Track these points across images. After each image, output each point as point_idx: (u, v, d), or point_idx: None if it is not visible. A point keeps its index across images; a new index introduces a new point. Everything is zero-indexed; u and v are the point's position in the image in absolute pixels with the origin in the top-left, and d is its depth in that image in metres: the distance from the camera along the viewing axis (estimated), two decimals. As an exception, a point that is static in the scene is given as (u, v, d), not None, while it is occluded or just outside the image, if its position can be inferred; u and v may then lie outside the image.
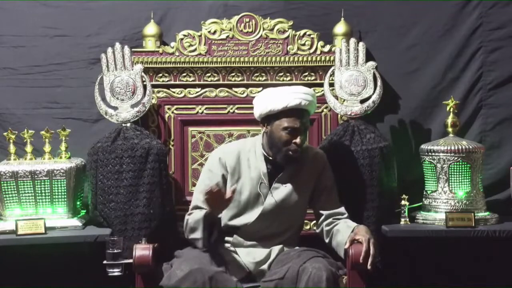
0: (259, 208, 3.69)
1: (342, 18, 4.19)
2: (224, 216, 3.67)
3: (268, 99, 3.65)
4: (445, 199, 3.98)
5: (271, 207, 3.69)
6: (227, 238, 3.73)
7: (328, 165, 3.79)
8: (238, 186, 3.67)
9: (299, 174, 3.73)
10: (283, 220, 3.73)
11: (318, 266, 3.45)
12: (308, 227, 4.08)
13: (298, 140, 3.61)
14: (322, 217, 3.74)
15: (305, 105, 3.62)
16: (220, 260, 3.60)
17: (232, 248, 3.70)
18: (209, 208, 3.53)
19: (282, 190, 3.70)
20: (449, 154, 3.95)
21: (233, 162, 3.70)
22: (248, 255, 3.68)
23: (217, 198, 3.47)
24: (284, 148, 3.62)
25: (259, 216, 3.67)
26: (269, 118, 3.65)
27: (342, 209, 3.75)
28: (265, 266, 3.65)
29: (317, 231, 3.78)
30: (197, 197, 3.71)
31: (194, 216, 3.62)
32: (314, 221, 3.90)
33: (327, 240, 3.72)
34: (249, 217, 3.69)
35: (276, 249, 3.69)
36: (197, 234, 3.58)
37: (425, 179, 4.06)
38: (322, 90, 4.11)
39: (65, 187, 3.92)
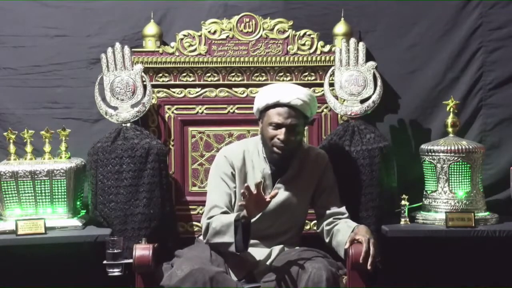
0: None
1: (342, 18, 4.19)
2: None
3: (263, 94, 3.67)
4: (445, 199, 3.98)
5: (273, 207, 3.68)
6: None
7: (330, 165, 3.79)
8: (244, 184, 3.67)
9: (301, 175, 3.73)
10: (285, 220, 3.72)
11: (318, 266, 3.45)
12: (308, 227, 4.08)
13: (281, 136, 3.60)
14: (323, 217, 3.74)
15: (297, 105, 3.60)
16: (220, 260, 3.60)
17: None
18: (246, 211, 3.46)
19: (285, 191, 3.70)
20: (449, 154, 3.95)
21: (239, 163, 3.70)
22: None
23: (255, 200, 3.43)
24: (270, 143, 3.63)
25: (261, 216, 3.67)
26: (262, 114, 3.67)
27: (342, 209, 3.75)
28: (265, 266, 3.65)
29: (318, 230, 3.78)
30: (213, 198, 3.67)
31: (221, 219, 3.56)
32: (315, 221, 3.90)
33: (327, 240, 3.72)
34: None
35: (276, 249, 3.68)
36: (227, 238, 3.52)
37: (425, 179, 4.06)
38: (322, 90, 4.11)
39: (65, 187, 3.92)
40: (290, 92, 3.62)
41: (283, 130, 3.60)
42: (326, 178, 3.76)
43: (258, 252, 3.67)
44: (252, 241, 3.68)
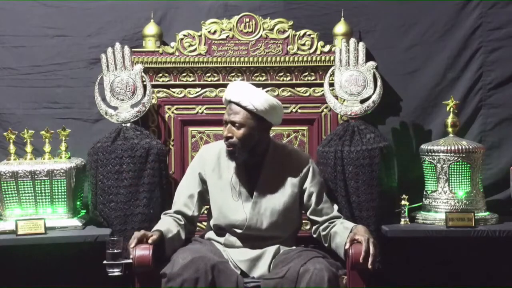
0: (244, 211, 3.65)
1: (342, 18, 4.19)
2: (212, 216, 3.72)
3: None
4: (445, 199, 3.98)
5: (256, 210, 3.65)
6: (218, 239, 3.71)
7: (314, 170, 3.73)
8: (219, 186, 3.68)
9: (279, 177, 3.69)
10: (277, 224, 3.66)
11: (320, 267, 3.44)
12: (307, 227, 4.07)
13: (224, 131, 3.61)
14: (317, 223, 3.71)
15: (241, 103, 3.56)
16: (220, 255, 3.60)
17: (224, 248, 3.68)
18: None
19: (264, 193, 3.67)
20: (449, 154, 3.95)
21: (213, 162, 3.70)
22: (240, 254, 3.65)
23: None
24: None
25: (247, 221, 3.65)
26: None
27: (335, 212, 3.72)
28: (263, 268, 3.62)
29: (314, 236, 3.76)
30: (177, 193, 3.74)
31: (160, 222, 3.67)
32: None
33: (326, 244, 3.69)
34: (236, 217, 3.66)
35: (271, 249, 3.65)
36: None
37: (425, 179, 4.06)
38: (322, 90, 4.11)
39: (65, 187, 3.92)
40: (237, 90, 3.60)
41: (227, 126, 3.61)
42: (311, 183, 3.70)
43: (249, 252, 3.65)
44: (243, 243, 3.66)
